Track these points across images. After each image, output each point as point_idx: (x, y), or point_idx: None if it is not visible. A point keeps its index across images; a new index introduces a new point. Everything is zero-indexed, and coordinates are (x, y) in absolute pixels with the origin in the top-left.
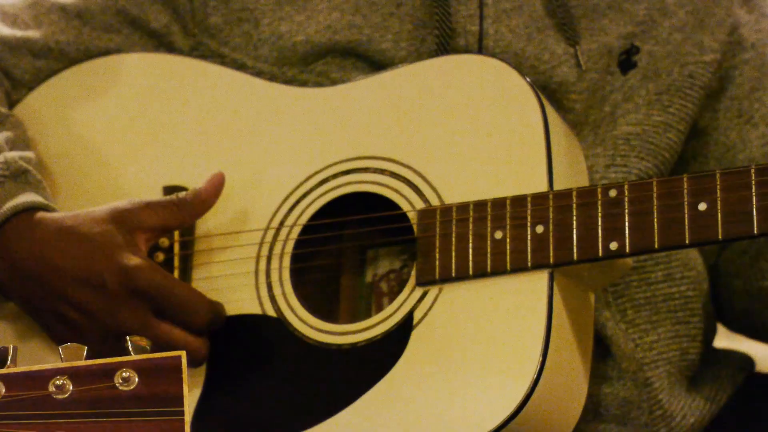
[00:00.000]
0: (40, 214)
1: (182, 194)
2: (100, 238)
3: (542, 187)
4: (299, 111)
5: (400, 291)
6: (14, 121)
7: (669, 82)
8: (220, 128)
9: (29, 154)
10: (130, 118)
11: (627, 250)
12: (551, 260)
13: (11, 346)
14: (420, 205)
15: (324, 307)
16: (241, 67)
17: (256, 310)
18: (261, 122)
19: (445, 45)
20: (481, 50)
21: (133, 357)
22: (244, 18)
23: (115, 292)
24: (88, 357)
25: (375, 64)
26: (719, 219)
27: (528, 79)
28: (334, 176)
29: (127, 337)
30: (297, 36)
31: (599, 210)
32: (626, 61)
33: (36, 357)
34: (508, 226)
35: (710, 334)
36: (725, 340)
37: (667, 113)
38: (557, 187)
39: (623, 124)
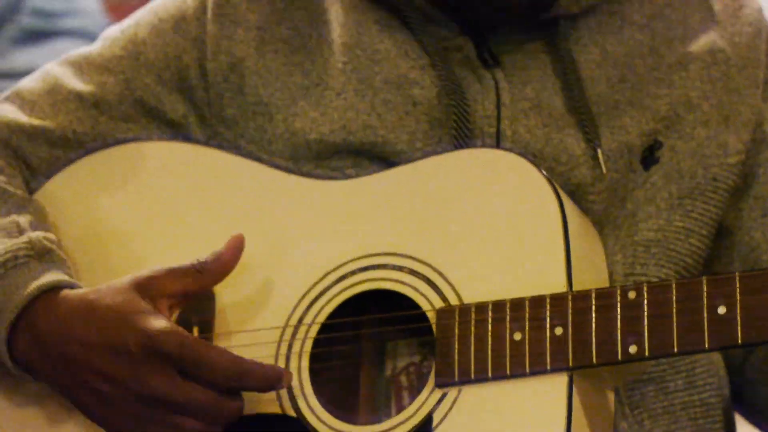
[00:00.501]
0: (65, 292)
1: (202, 258)
2: (123, 306)
3: (561, 284)
4: (316, 204)
5: (419, 384)
6: (36, 206)
7: (692, 186)
8: (237, 219)
9: (52, 235)
10: (149, 206)
11: (646, 354)
12: (570, 363)
13: None
14: (439, 303)
15: (343, 401)
16: (256, 159)
17: (275, 409)
18: (279, 214)
19: (462, 146)
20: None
21: None
22: (259, 112)
23: (141, 357)
24: None
25: (390, 163)
26: (739, 323)
27: (546, 174)
28: (353, 273)
29: None
30: (311, 134)
31: (618, 312)
32: (649, 157)
33: None
34: (527, 328)
35: None
36: None
37: (690, 218)
38: (576, 283)
39: (644, 229)
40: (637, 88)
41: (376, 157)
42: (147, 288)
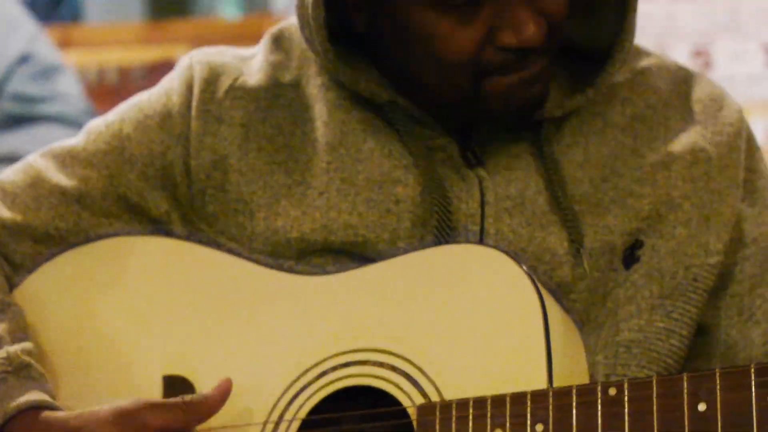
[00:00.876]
0: (45, 414)
1: (188, 397)
2: None
3: (542, 381)
4: (297, 299)
5: None
6: (15, 311)
7: (673, 286)
8: (219, 314)
9: (29, 345)
10: (130, 301)
11: None
12: None
13: None
14: (419, 399)
15: None
16: (237, 255)
17: None
18: (260, 309)
19: (444, 243)
20: None
21: None
22: (240, 209)
23: None
24: None
25: (372, 261)
26: (719, 420)
27: (527, 270)
28: (333, 369)
29: None
30: (292, 233)
31: (599, 409)
32: (630, 256)
33: None
34: (508, 425)
35: None
36: None
37: (671, 319)
38: (557, 379)
39: (625, 329)
40: (620, 188)
41: (358, 255)
42: (129, 421)
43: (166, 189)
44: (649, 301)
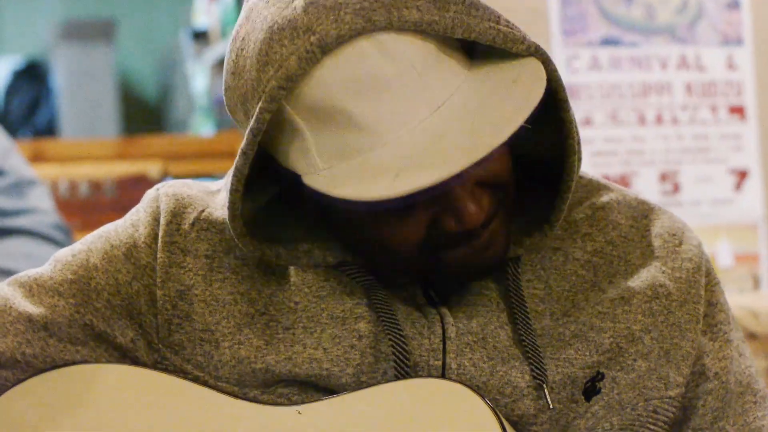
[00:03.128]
0: None
1: None
2: None
3: None
4: (263, 430)
5: None
6: None
7: (633, 417)
8: None
9: None
10: (95, 430)
11: None
12: None
13: None
14: None
15: None
16: (203, 384)
17: None
18: None
19: (405, 378)
20: None
21: None
22: (206, 339)
23: None
24: None
25: (335, 393)
26: None
27: (490, 403)
28: None
29: None
30: (256, 363)
31: None
32: (591, 387)
33: None
34: None
35: None
36: None
37: None
38: None
39: None
40: (580, 322)
41: (322, 388)
42: None
43: (132, 318)
44: (609, 431)
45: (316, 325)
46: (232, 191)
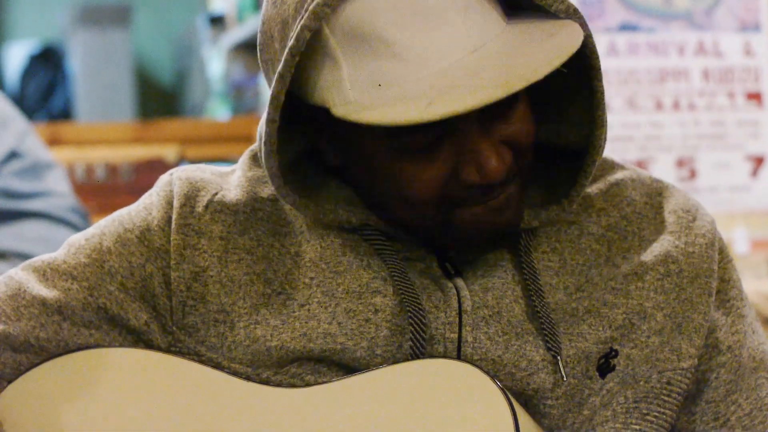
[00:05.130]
0: None
1: None
2: None
3: None
4: (275, 412)
5: None
6: None
7: (647, 390)
8: (196, 428)
9: None
10: (108, 413)
11: None
12: None
13: None
14: None
15: None
16: (216, 366)
17: None
18: (236, 423)
19: (421, 351)
20: (459, 357)
21: None
22: (221, 320)
23: None
24: None
25: (349, 369)
26: None
27: (500, 385)
28: None
29: None
30: (272, 341)
31: None
32: (605, 364)
33: None
34: None
35: None
36: None
37: (646, 421)
38: None
39: None
40: (594, 298)
41: (336, 364)
42: None
43: (146, 300)
44: (624, 405)
45: (330, 300)
46: (269, 121)
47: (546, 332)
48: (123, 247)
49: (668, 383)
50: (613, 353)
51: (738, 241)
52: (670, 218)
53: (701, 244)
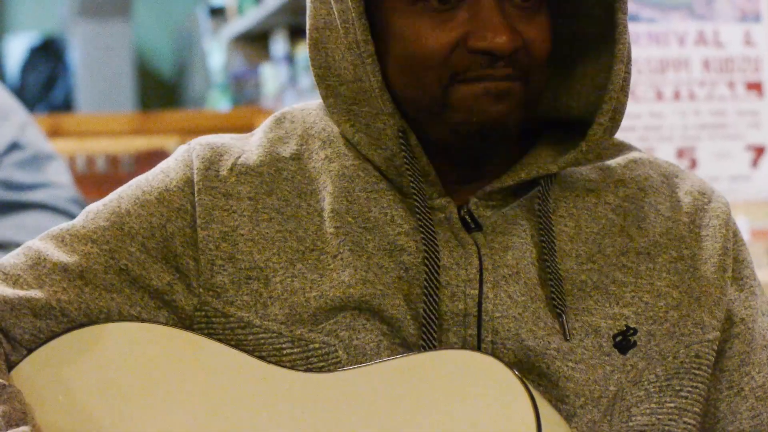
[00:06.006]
0: None
1: None
2: None
3: None
4: (294, 398)
5: None
6: (11, 392)
7: (677, 365)
8: (215, 411)
9: (27, 429)
10: (125, 388)
11: None
12: None
13: None
14: None
15: None
16: (247, 326)
17: None
18: (254, 408)
19: (429, 315)
20: (480, 313)
21: None
22: (254, 277)
23: None
24: None
25: (385, 323)
26: None
27: (519, 375)
28: None
29: None
30: (311, 292)
31: None
32: (623, 341)
33: None
34: None
35: None
36: None
37: (680, 397)
38: None
39: (637, 414)
40: (603, 273)
41: (374, 314)
42: None
43: (168, 261)
44: (655, 384)
45: (363, 251)
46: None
47: (555, 298)
48: (142, 209)
49: (697, 356)
50: (632, 331)
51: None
52: (686, 198)
53: (715, 226)
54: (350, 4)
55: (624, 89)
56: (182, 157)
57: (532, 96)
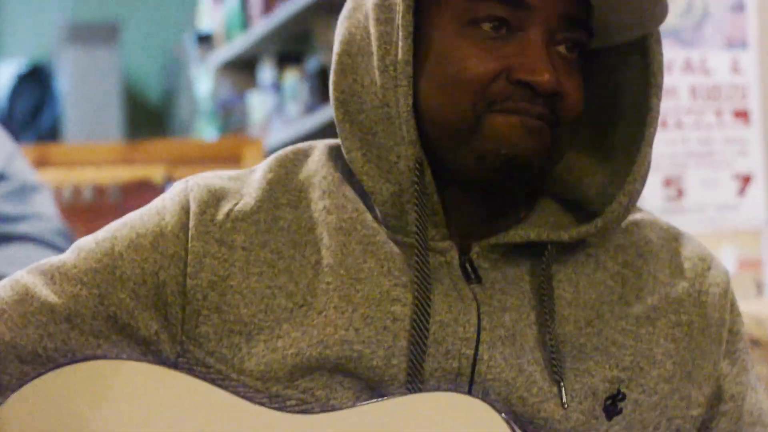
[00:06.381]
0: None
1: None
2: None
3: None
4: None
5: None
6: None
7: None
8: None
9: None
10: (110, 427)
11: None
12: None
13: None
14: None
15: None
16: (224, 379)
17: None
18: None
19: (415, 364)
20: (473, 374)
21: None
22: (237, 330)
23: None
24: None
25: (364, 381)
26: None
27: (506, 418)
28: None
29: None
30: (289, 349)
31: None
32: (612, 406)
33: None
34: None
35: None
36: None
37: None
38: None
39: None
40: (603, 335)
41: (351, 373)
42: None
43: (158, 309)
44: None
45: (348, 305)
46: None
47: (553, 361)
48: (136, 253)
49: (677, 430)
50: (621, 396)
51: (725, 261)
52: (685, 264)
53: (714, 294)
54: (401, 22)
55: (645, 180)
56: (179, 197)
57: (557, 149)
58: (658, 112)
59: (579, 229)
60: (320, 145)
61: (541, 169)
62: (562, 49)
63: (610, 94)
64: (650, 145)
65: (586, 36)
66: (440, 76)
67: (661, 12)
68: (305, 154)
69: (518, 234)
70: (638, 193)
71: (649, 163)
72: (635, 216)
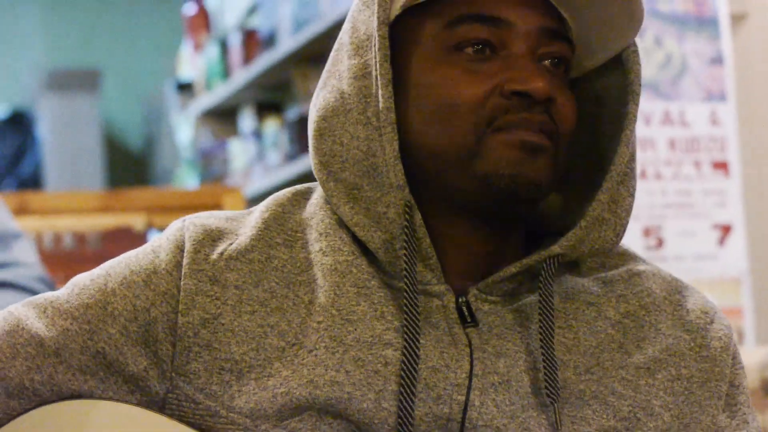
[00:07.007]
0: None
1: None
2: None
3: None
4: None
5: None
6: None
7: None
8: None
9: None
10: None
11: None
12: None
13: None
14: None
15: None
16: (213, 415)
17: None
18: None
19: (405, 410)
20: (464, 420)
21: None
22: (227, 368)
23: None
24: None
25: (353, 423)
26: None
27: None
28: None
29: None
30: (279, 388)
31: None
32: None
33: None
34: None
35: None
36: None
37: None
38: None
39: None
40: (601, 383)
41: (340, 416)
42: None
43: (148, 345)
44: None
45: (339, 346)
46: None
47: (550, 410)
48: (128, 290)
49: None
50: None
51: None
52: (688, 317)
53: (716, 348)
54: (379, 71)
55: (627, 185)
56: (174, 236)
57: (557, 167)
58: (635, 116)
59: (568, 235)
60: (319, 188)
61: (542, 193)
62: (547, 63)
63: (591, 107)
64: (626, 146)
65: (567, 49)
66: (432, 107)
67: (639, 18)
68: (304, 196)
69: (514, 266)
70: (621, 195)
71: (631, 169)
72: (638, 267)
